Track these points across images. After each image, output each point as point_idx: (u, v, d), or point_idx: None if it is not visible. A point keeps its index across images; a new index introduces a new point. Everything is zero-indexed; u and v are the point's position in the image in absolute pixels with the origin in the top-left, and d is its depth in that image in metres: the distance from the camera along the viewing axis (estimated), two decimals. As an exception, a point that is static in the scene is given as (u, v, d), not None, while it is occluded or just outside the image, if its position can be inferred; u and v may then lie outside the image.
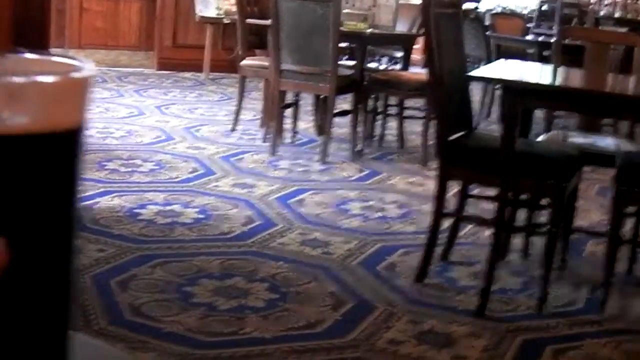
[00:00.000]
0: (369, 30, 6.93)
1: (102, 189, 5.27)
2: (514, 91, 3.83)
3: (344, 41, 6.82)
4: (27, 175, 0.44)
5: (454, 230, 4.46)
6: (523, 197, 4.45)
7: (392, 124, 7.47)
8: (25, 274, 0.46)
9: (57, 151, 0.45)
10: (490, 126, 8.52)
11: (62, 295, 0.50)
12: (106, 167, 5.83)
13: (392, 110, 7.35)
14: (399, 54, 8.26)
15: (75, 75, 0.45)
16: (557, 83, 4.47)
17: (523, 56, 8.60)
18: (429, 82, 4.17)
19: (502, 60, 4.76)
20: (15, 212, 0.44)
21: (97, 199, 5.06)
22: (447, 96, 4.03)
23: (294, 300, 3.81)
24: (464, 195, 4.40)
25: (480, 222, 4.54)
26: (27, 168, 0.43)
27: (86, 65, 0.46)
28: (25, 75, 0.42)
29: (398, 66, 8.18)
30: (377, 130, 7.31)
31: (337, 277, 4.13)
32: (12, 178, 0.43)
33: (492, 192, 4.41)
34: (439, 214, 4.11)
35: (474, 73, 4.37)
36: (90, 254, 4.14)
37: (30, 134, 0.42)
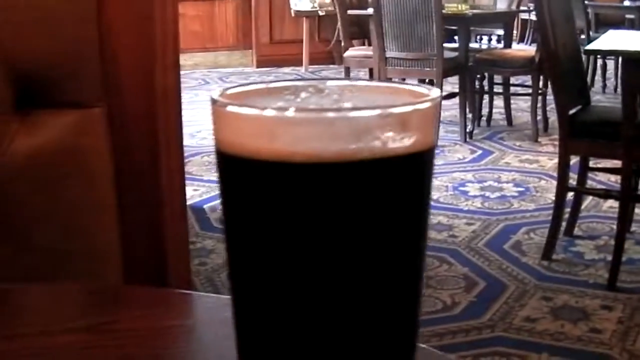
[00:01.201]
0: (471, 12, 6.93)
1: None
2: (634, 63, 3.81)
3: (446, 24, 6.83)
4: (407, 188, 0.52)
5: (577, 204, 4.45)
6: None
7: (498, 102, 7.46)
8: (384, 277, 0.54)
9: (425, 165, 0.53)
10: (595, 97, 8.42)
11: (413, 310, 0.57)
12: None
13: (498, 89, 7.34)
14: (498, 32, 8.23)
15: (436, 98, 0.52)
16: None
17: (622, 23, 8.50)
18: (544, 59, 4.18)
19: (612, 31, 4.72)
20: (394, 222, 0.52)
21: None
22: (563, 71, 4.03)
23: (427, 285, 3.86)
24: (584, 168, 4.38)
25: (605, 194, 4.51)
26: (409, 182, 0.52)
27: (431, 88, 0.53)
28: (409, 104, 0.50)
29: (499, 44, 8.14)
30: (484, 110, 7.31)
31: (465, 259, 4.18)
32: (398, 191, 0.51)
33: (606, 163, 4.42)
34: (563, 188, 4.11)
35: (590, 47, 4.36)
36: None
37: (413, 153, 0.50)
